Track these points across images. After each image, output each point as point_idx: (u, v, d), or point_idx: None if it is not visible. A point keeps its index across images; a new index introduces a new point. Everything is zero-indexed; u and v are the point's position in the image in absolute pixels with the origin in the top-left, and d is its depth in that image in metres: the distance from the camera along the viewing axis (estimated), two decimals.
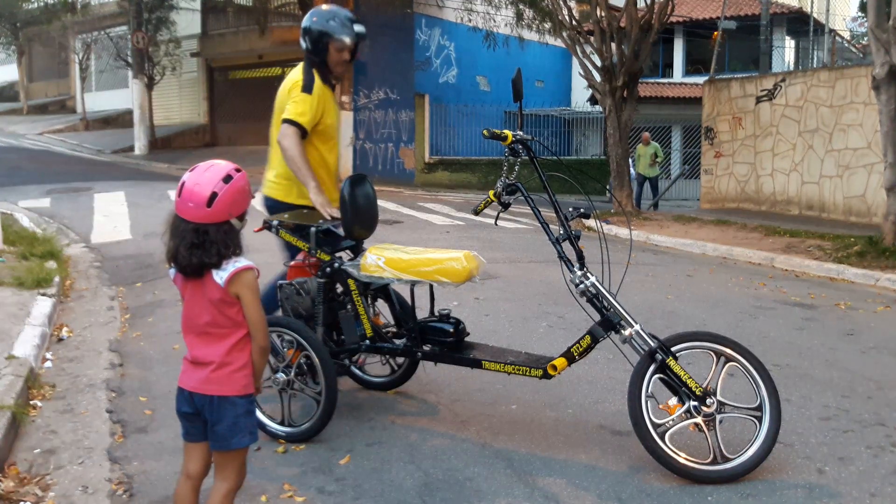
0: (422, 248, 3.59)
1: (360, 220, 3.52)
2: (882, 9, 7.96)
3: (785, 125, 12.41)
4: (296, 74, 3.87)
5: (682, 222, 11.43)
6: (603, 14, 12.31)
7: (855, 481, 2.97)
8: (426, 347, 3.47)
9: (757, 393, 3.03)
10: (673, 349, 3.05)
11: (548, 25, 16.18)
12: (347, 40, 3.77)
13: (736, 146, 13.32)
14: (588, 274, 3.16)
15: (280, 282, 3.67)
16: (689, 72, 24.04)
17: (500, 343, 4.33)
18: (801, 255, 8.27)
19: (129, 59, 22.03)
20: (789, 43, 23.64)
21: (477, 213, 3.52)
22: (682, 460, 2.94)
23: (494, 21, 18.03)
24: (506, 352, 3.50)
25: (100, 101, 27.76)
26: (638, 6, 12.41)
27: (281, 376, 3.39)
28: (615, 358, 4.04)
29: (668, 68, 24.79)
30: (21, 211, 10.28)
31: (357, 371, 3.97)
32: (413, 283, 3.42)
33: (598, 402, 3.81)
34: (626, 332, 3.07)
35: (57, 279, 5.89)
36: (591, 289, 3.14)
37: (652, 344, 3.03)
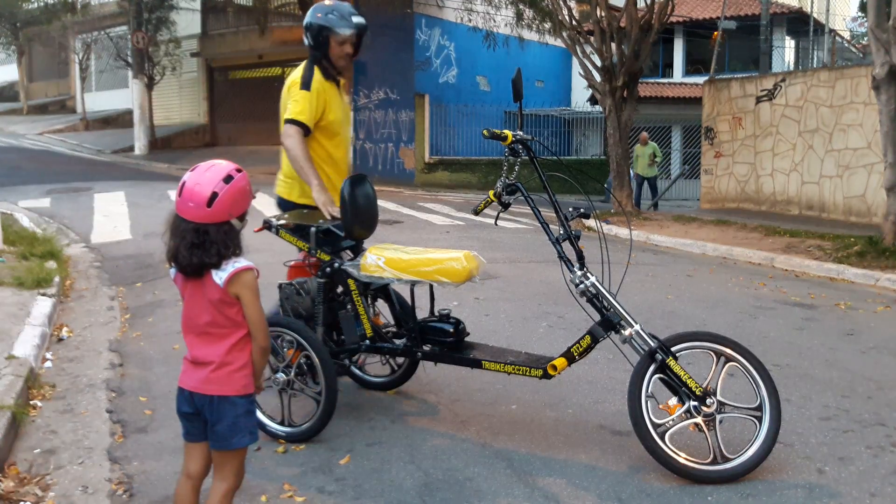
0: (422, 248, 3.59)
1: (360, 220, 3.51)
2: (882, 9, 7.96)
3: (785, 125, 12.41)
4: (296, 73, 3.88)
5: (682, 222, 11.43)
6: (603, 14, 12.31)
7: (855, 481, 2.97)
8: (426, 347, 3.47)
9: (757, 393, 3.03)
10: (673, 349, 3.05)
11: (548, 25, 16.19)
12: (346, 32, 3.76)
13: (736, 146, 13.32)
14: (588, 274, 3.16)
15: (280, 282, 3.67)
16: (689, 72, 24.04)
17: (500, 343, 4.34)
18: (801, 255, 8.27)
19: (129, 59, 22.05)
20: (789, 43, 23.64)
21: (477, 213, 3.52)
22: (682, 460, 2.94)
23: (494, 21, 18.03)
24: (506, 352, 3.50)
25: (100, 101, 27.78)
26: (638, 6, 12.41)
27: (281, 376, 3.39)
28: (615, 358, 4.04)
29: (668, 68, 24.78)
30: (21, 211, 10.28)
31: (357, 371, 3.97)
32: (413, 283, 3.42)
33: (598, 402, 3.81)
34: (626, 332, 3.07)
35: (57, 279, 5.90)
36: (591, 289, 3.14)
37: (652, 344, 3.03)
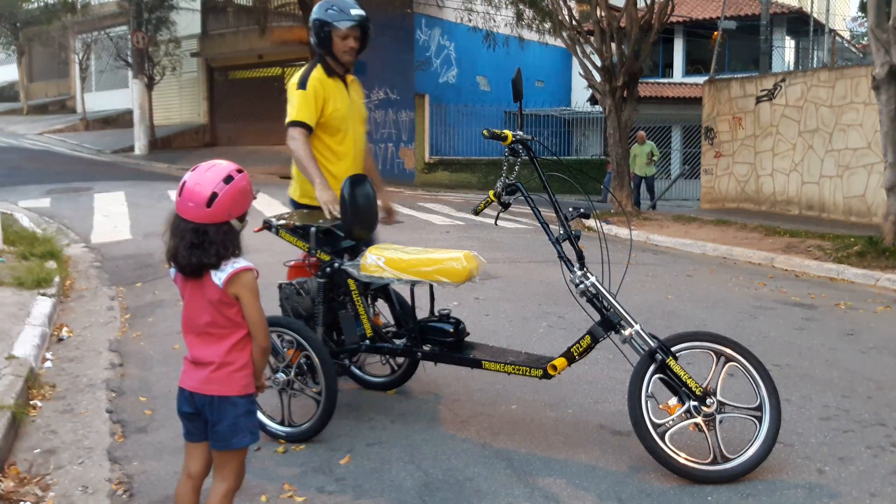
0: (422, 248, 3.59)
1: (359, 220, 3.51)
2: (882, 9, 7.96)
3: (785, 125, 12.41)
4: (297, 74, 3.89)
5: (682, 222, 11.43)
6: (603, 14, 12.31)
7: (855, 481, 2.97)
8: (426, 347, 3.47)
9: (757, 393, 3.03)
10: (673, 349, 3.05)
11: (548, 25, 16.18)
12: (346, 25, 3.75)
13: (736, 146, 13.32)
14: (588, 274, 3.16)
15: (280, 282, 3.68)
16: (689, 72, 24.04)
17: (500, 343, 4.33)
18: (801, 255, 8.27)
19: (129, 59, 22.04)
20: (789, 43, 23.64)
21: (477, 213, 3.52)
22: (682, 460, 2.94)
23: (494, 21, 18.02)
24: (506, 352, 3.50)
25: (100, 101, 27.78)
26: (638, 6, 12.41)
27: (281, 376, 3.39)
28: (615, 358, 4.04)
29: (668, 68, 24.78)
30: (21, 211, 10.28)
31: (357, 371, 3.97)
32: (413, 283, 3.42)
33: (598, 402, 3.81)
34: (626, 332, 3.07)
35: (57, 279, 5.90)
36: (591, 289, 3.14)
37: (652, 344, 3.03)
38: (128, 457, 3.23)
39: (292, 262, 3.85)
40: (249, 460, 2.53)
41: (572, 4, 14.17)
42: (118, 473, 3.07)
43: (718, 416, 3.00)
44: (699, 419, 2.99)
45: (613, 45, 12.37)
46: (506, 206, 3.37)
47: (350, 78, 3.99)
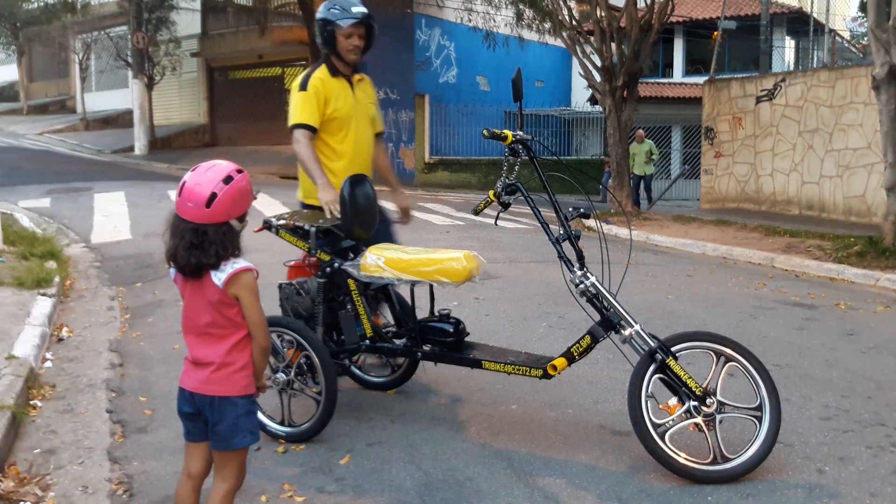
0: (422, 248, 3.59)
1: (359, 220, 3.51)
2: (882, 9, 7.96)
3: (785, 125, 12.41)
4: (301, 75, 3.92)
5: (682, 222, 11.43)
6: (603, 14, 12.31)
7: (855, 481, 2.97)
8: (426, 347, 3.47)
9: (757, 393, 3.03)
10: (673, 349, 3.05)
11: (548, 25, 16.18)
12: (347, 23, 3.76)
13: (736, 146, 13.32)
14: (588, 274, 3.16)
15: (280, 282, 3.68)
16: (689, 72, 24.04)
17: (500, 343, 4.33)
18: (801, 255, 8.27)
19: (129, 59, 22.04)
20: (789, 43, 23.64)
21: (477, 213, 3.52)
22: (682, 460, 2.94)
23: (494, 21, 18.02)
24: (506, 352, 3.50)
25: (100, 101, 27.77)
26: (638, 6, 12.41)
27: (281, 376, 3.39)
28: (615, 358, 4.04)
29: (668, 68, 24.78)
30: (21, 211, 10.28)
31: (357, 371, 3.97)
32: (413, 283, 3.42)
33: (598, 402, 3.81)
34: (626, 332, 3.07)
35: (57, 279, 5.90)
36: (591, 289, 3.14)
37: (652, 344, 3.03)
38: (128, 457, 3.22)
39: (292, 262, 3.85)
40: (249, 460, 2.53)
41: (572, 4, 14.17)
42: (118, 473, 3.07)
43: (718, 416, 3.00)
44: (699, 419, 2.99)
45: (613, 45, 12.37)
46: (506, 206, 3.37)
47: (357, 77, 3.98)
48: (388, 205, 4.25)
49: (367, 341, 3.56)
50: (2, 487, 2.88)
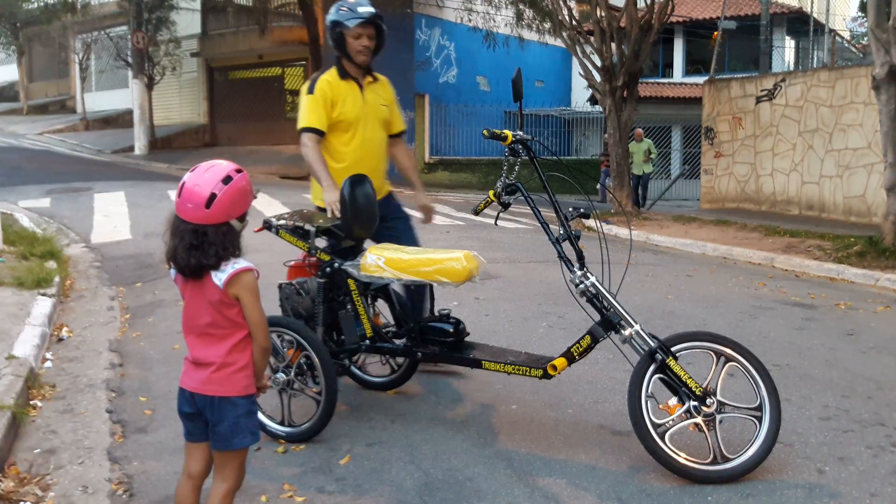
0: (422, 248, 3.59)
1: (359, 220, 3.52)
2: (882, 9, 7.96)
3: (785, 125, 12.41)
4: (310, 78, 3.95)
5: (682, 222, 11.43)
6: (603, 14, 12.31)
7: (855, 481, 2.97)
8: (426, 347, 3.47)
9: (757, 393, 3.03)
10: (673, 349, 3.05)
11: (548, 25, 16.16)
12: (354, 23, 3.76)
13: (736, 146, 13.32)
14: (588, 274, 3.16)
15: (280, 282, 3.68)
16: (689, 72, 24.04)
17: (500, 343, 4.33)
18: (801, 255, 8.27)
19: (129, 59, 22.04)
20: (789, 43, 23.64)
21: (477, 213, 3.52)
22: (682, 460, 2.94)
23: (494, 21, 18.02)
24: (506, 352, 3.50)
25: (100, 101, 27.78)
26: (638, 6, 12.41)
27: (281, 376, 3.39)
28: (615, 358, 4.04)
29: (668, 68, 24.79)
30: (21, 211, 10.28)
31: (357, 371, 3.97)
32: (413, 284, 3.42)
33: (598, 402, 3.81)
34: (626, 332, 3.07)
35: (57, 279, 5.90)
36: (591, 289, 3.14)
37: (652, 344, 3.03)
38: (128, 457, 3.22)
39: (292, 262, 3.85)
40: (249, 460, 2.53)
41: (572, 4, 14.16)
42: (118, 473, 3.07)
43: (718, 416, 3.00)
44: (699, 419, 2.99)
45: (613, 45, 12.37)
46: (506, 206, 3.37)
47: (368, 80, 3.96)
48: (412, 211, 4.27)
49: (367, 341, 3.56)
50: (2, 487, 2.88)
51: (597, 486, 2.93)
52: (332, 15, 3.82)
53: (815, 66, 19.37)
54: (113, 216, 10.04)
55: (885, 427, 3.51)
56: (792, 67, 22.43)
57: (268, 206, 10.41)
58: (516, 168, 3.39)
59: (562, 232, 3.21)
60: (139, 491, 2.94)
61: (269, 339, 2.40)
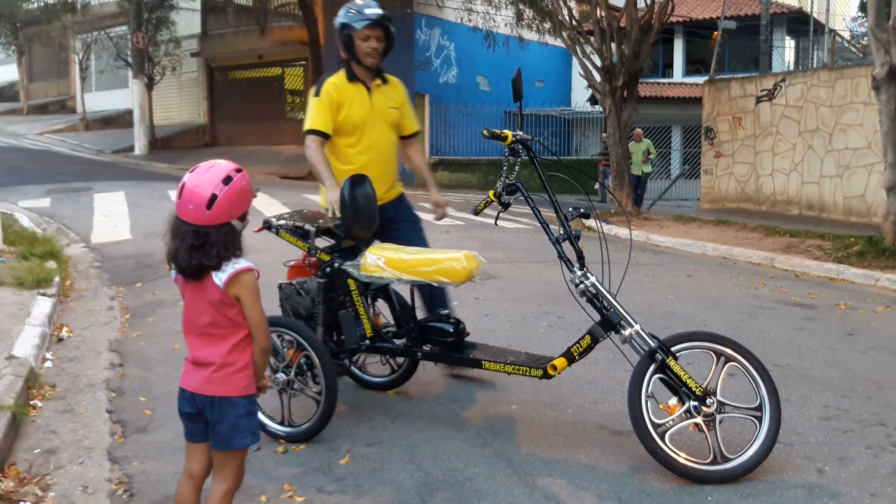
0: (422, 248, 3.59)
1: (359, 220, 3.52)
2: (882, 9, 7.96)
3: (785, 125, 12.41)
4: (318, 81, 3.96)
5: (682, 222, 11.43)
6: (603, 14, 12.31)
7: (855, 481, 2.97)
8: (426, 347, 3.47)
9: (757, 393, 3.03)
10: (673, 349, 3.05)
11: (548, 25, 16.17)
12: (361, 25, 3.75)
13: (736, 146, 13.32)
14: (588, 274, 3.16)
15: (280, 282, 3.68)
16: (689, 72, 24.05)
17: (500, 343, 4.33)
18: (801, 255, 8.27)
19: (129, 59, 22.04)
20: (789, 43, 23.65)
21: (477, 213, 3.52)
22: (682, 460, 2.94)
23: (494, 21, 18.02)
24: (506, 352, 3.50)
25: (100, 101, 27.77)
26: (638, 6, 12.41)
27: (281, 376, 3.39)
28: (615, 358, 4.04)
29: (668, 68, 24.79)
30: (21, 211, 10.28)
31: (357, 371, 3.98)
32: (413, 283, 3.42)
33: (598, 402, 3.81)
34: (626, 332, 3.07)
35: (57, 279, 5.89)
36: (591, 289, 3.14)
37: (652, 344, 3.03)
38: (128, 457, 3.22)
39: (292, 262, 3.85)
40: (249, 460, 2.53)
41: (572, 4, 14.16)
42: (118, 473, 3.07)
43: (718, 416, 3.00)
44: (699, 419, 2.99)
45: (613, 45, 12.37)
46: (506, 206, 3.37)
47: (377, 82, 3.94)
48: (424, 215, 4.29)
49: (367, 341, 3.56)
50: (2, 487, 2.88)
51: (597, 486, 2.93)
52: (340, 17, 3.81)
53: (815, 66, 19.37)
54: (113, 216, 10.04)
55: (885, 427, 3.51)
56: (792, 67, 22.43)
57: (268, 206, 10.41)
58: (516, 168, 3.39)
59: (562, 232, 3.21)
60: (139, 491, 2.93)
61: (269, 339, 2.40)
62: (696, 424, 3.00)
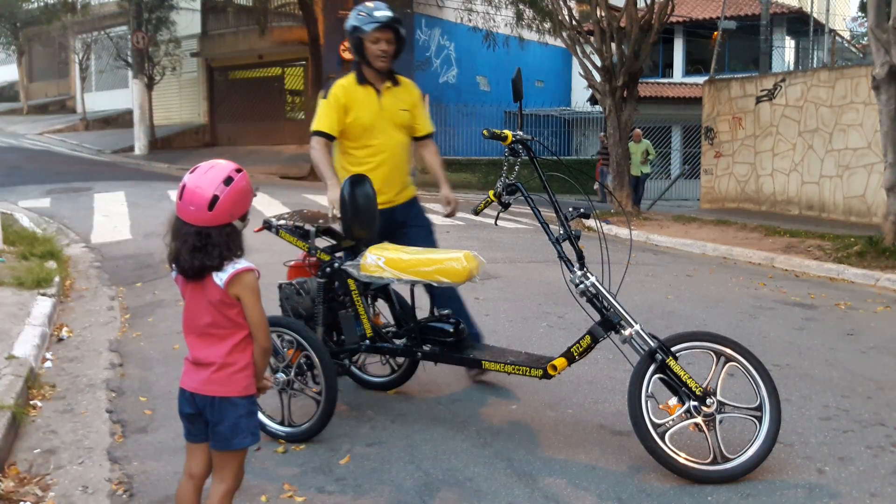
0: (422, 249, 3.59)
1: (359, 220, 3.52)
2: (882, 9, 7.96)
3: (785, 125, 12.41)
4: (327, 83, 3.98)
5: (682, 222, 11.43)
6: (603, 14, 12.31)
7: (855, 481, 2.97)
8: (426, 347, 3.47)
9: (757, 393, 3.03)
10: (673, 349, 3.05)
11: (548, 25, 16.18)
12: (370, 28, 3.76)
13: (736, 146, 13.32)
14: (588, 274, 3.16)
15: (280, 282, 3.68)
16: (689, 72, 24.05)
17: (500, 343, 4.34)
18: (801, 255, 8.27)
19: (129, 59, 22.04)
20: (789, 43, 23.65)
21: (477, 213, 3.52)
22: (682, 460, 2.94)
23: (494, 21, 18.03)
24: (506, 352, 3.51)
25: (100, 101, 27.77)
26: (638, 6, 12.41)
27: (281, 376, 3.39)
28: (615, 358, 4.04)
29: (668, 68, 24.79)
30: (21, 211, 10.28)
31: (357, 371, 3.98)
32: (413, 283, 3.42)
33: (598, 402, 3.81)
34: (626, 332, 3.07)
35: (57, 279, 5.89)
36: (591, 289, 3.14)
37: (652, 344, 3.03)
38: (128, 457, 3.22)
39: (292, 262, 3.85)
40: (249, 460, 2.53)
41: (572, 4, 14.16)
42: (118, 473, 3.07)
43: (718, 416, 3.00)
44: (699, 419, 2.99)
45: (613, 45, 12.37)
46: (506, 206, 3.37)
47: (387, 85, 3.93)
48: (433, 216, 4.28)
49: (367, 341, 3.56)
50: (2, 487, 2.88)
51: (597, 486, 2.93)
52: (350, 20, 3.83)
53: (815, 66, 19.37)
54: (113, 216, 10.04)
55: (885, 427, 3.51)
56: (792, 67, 22.43)
57: (268, 206, 10.41)
58: (516, 168, 3.39)
59: (562, 232, 3.21)
60: (139, 491, 2.94)
61: (269, 339, 2.40)
62: (696, 424, 3.00)
